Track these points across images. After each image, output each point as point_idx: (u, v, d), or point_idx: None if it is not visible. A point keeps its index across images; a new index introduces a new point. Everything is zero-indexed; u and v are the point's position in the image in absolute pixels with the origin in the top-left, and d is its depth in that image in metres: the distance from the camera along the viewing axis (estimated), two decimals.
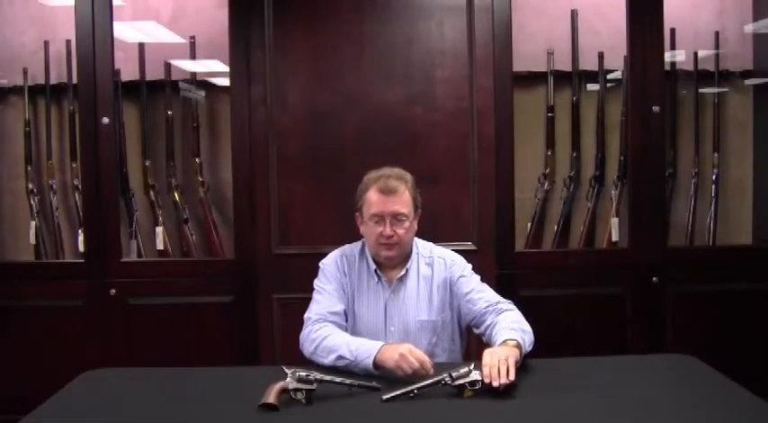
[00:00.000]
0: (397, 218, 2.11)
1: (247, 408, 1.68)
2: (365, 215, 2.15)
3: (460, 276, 2.21)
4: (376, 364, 1.88)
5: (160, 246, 3.21)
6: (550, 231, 3.30)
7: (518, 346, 1.89)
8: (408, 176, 2.18)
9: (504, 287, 2.84)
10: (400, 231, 2.11)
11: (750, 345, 3.05)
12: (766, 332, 3.06)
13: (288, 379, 1.71)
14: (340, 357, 1.94)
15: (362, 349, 1.92)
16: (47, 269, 3.11)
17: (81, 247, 3.08)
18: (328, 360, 1.97)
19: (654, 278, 3.02)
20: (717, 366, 1.95)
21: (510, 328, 1.98)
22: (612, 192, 3.24)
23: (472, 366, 1.76)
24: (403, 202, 2.12)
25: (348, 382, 1.75)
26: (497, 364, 1.74)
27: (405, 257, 2.21)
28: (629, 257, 3.05)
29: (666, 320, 3.04)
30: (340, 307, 2.15)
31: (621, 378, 1.89)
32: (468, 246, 2.86)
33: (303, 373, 1.72)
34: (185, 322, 2.95)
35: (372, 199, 2.12)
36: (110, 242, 2.96)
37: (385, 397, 1.71)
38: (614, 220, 3.21)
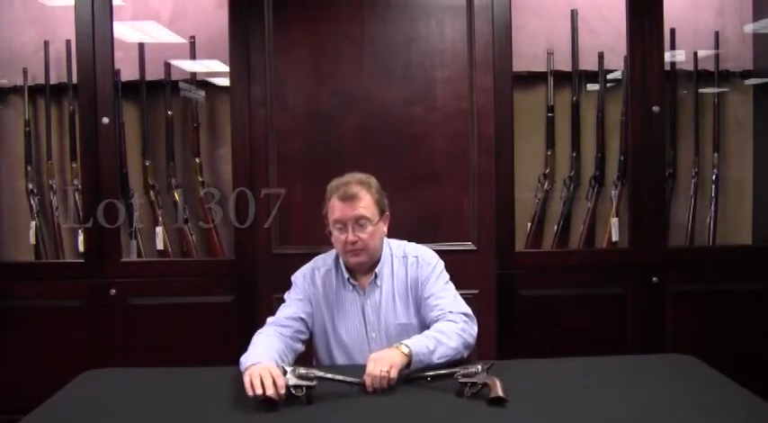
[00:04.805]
0: (358, 222, 2.05)
1: (247, 408, 1.68)
2: (330, 223, 2.10)
3: (426, 278, 2.14)
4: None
5: (160, 246, 3.21)
6: (550, 231, 3.30)
7: (408, 353, 1.85)
8: (372, 181, 2.13)
9: (504, 287, 2.86)
10: (363, 236, 2.06)
11: (750, 345, 3.05)
12: (766, 332, 3.06)
13: (288, 375, 1.71)
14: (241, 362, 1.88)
15: (245, 358, 1.85)
16: (47, 269, 3.11)
17: (81, 247, 3.08)
18: None
19: (654, 278, 3.02)
20: (717, 366, 1.95)
21: (425, 335, 1.95)
22: (612, 192, 3.24)
23: (479, 367, 1.76)
24: (364, 205, 2.07)
25: (349, 380, 1.75)
26: (378, 376, 1.76)
27: (375, 262, 2.15)
28: (629, 257, 3.05)
29: (666, 320, 3.04)
30: (299, 314, 2.13)
31: (621, 378, 1.88)
32: (468, 246, 2.86)
33: (303, 371, 1.72)
34: (185, 322, 2.95)
35: (334, 206, 2.08)
36: (110, 242, 2.96)
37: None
38: (614, 220, 3.21)
